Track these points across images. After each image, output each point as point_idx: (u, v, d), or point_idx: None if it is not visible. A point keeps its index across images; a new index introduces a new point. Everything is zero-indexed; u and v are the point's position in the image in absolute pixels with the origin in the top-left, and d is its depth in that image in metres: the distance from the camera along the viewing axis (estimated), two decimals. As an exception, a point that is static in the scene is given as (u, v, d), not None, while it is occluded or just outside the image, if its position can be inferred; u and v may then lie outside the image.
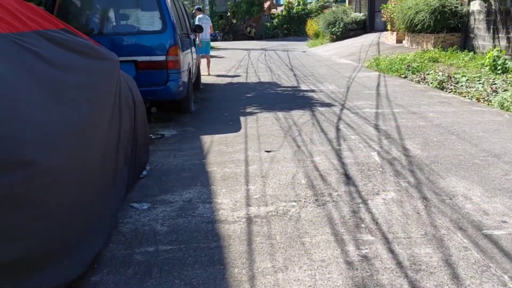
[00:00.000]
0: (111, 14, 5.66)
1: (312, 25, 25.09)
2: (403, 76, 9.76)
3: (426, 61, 10.70)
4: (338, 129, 5.16)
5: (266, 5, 34.98)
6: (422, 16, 12.31)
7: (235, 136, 4.97)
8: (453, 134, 4.84)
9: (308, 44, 23.50)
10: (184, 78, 5.93)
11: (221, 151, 4.41)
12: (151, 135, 5.03)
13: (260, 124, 5.56)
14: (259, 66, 13.17)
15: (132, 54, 5.45)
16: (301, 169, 3.79)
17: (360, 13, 22.53)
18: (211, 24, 12.48)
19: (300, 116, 5.95)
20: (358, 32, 21.61)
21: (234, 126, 5.48)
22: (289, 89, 8.50)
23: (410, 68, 10.11)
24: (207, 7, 23.10)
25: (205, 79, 10.42)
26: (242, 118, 5.92)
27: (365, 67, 11.77)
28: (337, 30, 21.27)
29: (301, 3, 34.42)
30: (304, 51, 19.34)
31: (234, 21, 34.69)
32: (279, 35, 33.83)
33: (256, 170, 3.77)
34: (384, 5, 16.32)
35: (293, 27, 34.45)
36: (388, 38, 16.45)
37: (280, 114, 6.09)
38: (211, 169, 3.83)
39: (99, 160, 2.50)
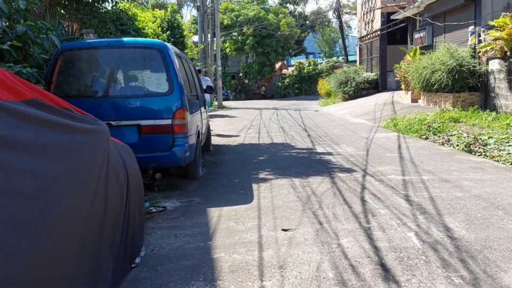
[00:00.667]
0: (115, 75, 5.32)
1: (323, 85, 25.16)
2: (424, 137, 9.23)
3: (446, 121, 10.20)
4: (363, 201, 4.53)
5: (278, 65, 35.67)
6: (439, 76, 11.99)
7: (246, 209, 4.37)
8: (498, 208, 4.18)
9: (320, 103, 23.41)
10: (192, 142, 5.46)
11: (230, 229, 3.79)
12: (152, 208, 4.46)
13: (275, 193, 4.97)
14: (271, 126, 12.80)
15: (135, 118, 5.04)
16: (326, 255, 3.14)
17: (371, 72, 22.57)
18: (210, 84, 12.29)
19: (318, 183, 5.35)
20: (370, 91, 21.49)
21: (245, 196, 4.90)
22: (304, 151, 7.98)
23: (431, 128, 9.60)
24: (219, 68, 23.43)
25: (215, 140, 9.99)
26: (254, 186, 5.35)
27: (382, 127, 11.30)
28: (349, 89, 21.19)
29: (312, 63, 35.00)
30: (316, 110, 19.11)
31: (246, 81, 35.25)
32: (291, 94, 34.11)
33: (272, 258, 3.13)
34: (397, 65, 16.20)
35: (304, 87, 34.78)
36: (403, 97, 16.16)
37: (297, 181, 5.51)
38: (218, 256, 3.20)
39: (69, 260, 1.92)
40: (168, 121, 5.07)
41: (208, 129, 8.58)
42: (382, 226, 3.74)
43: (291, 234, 3.59)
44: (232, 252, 3.25)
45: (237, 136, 10.83)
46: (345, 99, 21.54)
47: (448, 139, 8.44)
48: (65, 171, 1.90)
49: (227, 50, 34.21)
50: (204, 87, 8.84)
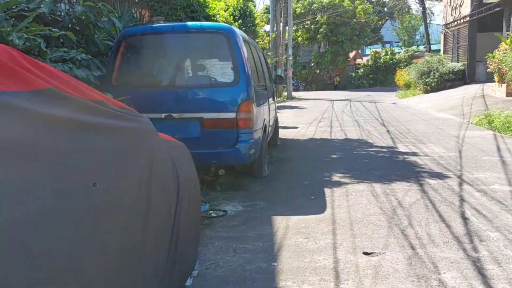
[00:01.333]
0: (179, 63, 4.88)
1: (402, 75, 23.42)
2: (528, 137, 7.87)
3: (555, 119, 8.66)
4: (465, 219, 3.67)
5: (352, 55, 34.08)
6: (546, 66, 10.30)
7: (318, 221, 3.71)
8: None
9: (398, 95, 21.79)
10: (258, 138, 4.89)
11: (299, 246, 3.17)
12: (211, 211, 3.97)
13: (352, 201, 4.25)
14: (344, 119, 11.91)
15: (198, 110, 4.57)
16: (424, 297, 2.41)
17: (458, 63, 20.50)
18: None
19: (405, 191, 4.53)
20: (455, 83, 19.53)
21: (316, 203, 4.24)
22: (384, 150, 7.09)
23: (537, 127, 8.18)
24: (290, 58, 22.70)
25: (283, 133, 9.39)
26: (327, 191, 4.67)
27: (473, 124, 9.94)
28: (431, 80, 19.41)
29: (389, 52, 32.96)
30: (394, 103, 17.72)
31: (318, 71, 34.15)
32: (365, 85, 32.45)
33: (353, 294, 2.46)
34: (491, 54, 14.36)
35: (379, 77, 32.92)
36: (496, 90, 14.32)
37: (378, 187, 4.73)
38: (283, 284, 2.60)
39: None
40: (233, 115, 4.54)
41: (276, 122, 7.98)
42: (495, 257, 2.90)
43: (375, 261, 2.89)
44: (302, 281, 2.62)
45: (307, 129, 10.13)
46: (427, 91, 19.79)
47: (562, 141, 7.07)
48: (70, 184, 1.40)
49: (299, 39, 33.30)
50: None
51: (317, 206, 4.14)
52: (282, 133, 9.39)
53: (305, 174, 5.51)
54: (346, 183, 4.96)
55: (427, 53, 24.40)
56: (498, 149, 6.83)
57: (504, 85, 13.47)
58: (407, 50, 34.24)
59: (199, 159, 4.59)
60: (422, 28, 36.40)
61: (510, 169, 5.46)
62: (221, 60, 4.78)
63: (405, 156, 6.44)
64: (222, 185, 4.99)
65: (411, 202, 4.18)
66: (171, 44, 4.88)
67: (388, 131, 9.34)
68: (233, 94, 4.57)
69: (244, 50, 4.76)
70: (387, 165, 5.87)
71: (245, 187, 4.94)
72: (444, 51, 22.97)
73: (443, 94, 17.86)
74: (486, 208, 3.93)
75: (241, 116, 4.55)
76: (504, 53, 13.51)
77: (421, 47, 35.41)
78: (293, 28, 33.64)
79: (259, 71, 5.86)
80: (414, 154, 6.60)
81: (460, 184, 4.79)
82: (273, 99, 7.27)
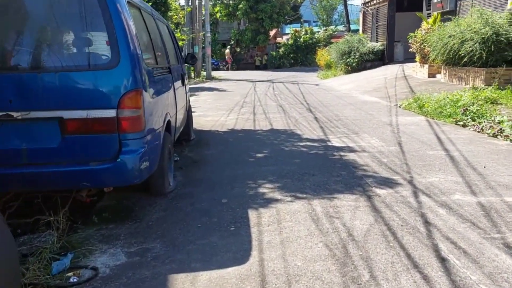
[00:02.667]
0: (25, 35, 3.21)
1: (323, 55, 22.95)
2: (461, 123, 7.32)
3: (482, 102, 8.27)
4: (443, 260, 2.63)
5: (272, 33, 33.13)
6: (470, 47, 9.97)
7: (240, 280, 2.44)
8: None
9: (320, 75, 21.26)
10: (155, 143, 3.46)
11: None
12: (71, 274, 2.50)
13: (287, 234, 3.03)
14: (268, 104, 10.76)
15: (56, 107, 3.00)
16: None
17: (377, 42, 20.39)
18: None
19: (352, 211, 3.43)
20: (375, 64, 19.41)
21: (238, 241, 2.95)
22: (316, 144, 6.01)
23: (469, 112, 7.68)
24: (208, 35, 21.05)
25: (199, 123, 7.98)
26: (252, 215, 3.41)
27: (402, 109, 9.35)
28: (352, 61, 19.05)
29: (309, 32, 32.55)
30: (316, 84, 17.02)
31: (238, 49, 32.77)
32: (286, 65, 31.79)
33: None
34: (412, 34, 14.08)
35: (300, 57, 32.45)
36: (417, 71, 14.14)
37: (317, 204, 3.58)
38: None
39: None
40: (111, 112, 3.04)
41: (189, 111, 6.55)
42: None
43: None
44: None
45: (228, 117, 8.81)
46: (348, 72, 19.44)
47: (501, 129, 6.53)
48: None
49: (218, 15, 31.52)
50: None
51: (239, 247, 2.85)
52: (199, 123, 7.97)
53: (223, 186, 4.20)
54: (277, 200, 3.74)
55: (347, 33, 24.19)
56: (439, 140, 6.09)
57: (426, 66, 13.26)
58: (326, 29, 34.13)
59: (59, 181, 3.07)
60: (340, 7, 36.55)
61: (462, 168, 4.64)
62: (94, 30, 3.23)
63: (342, 153, 5.40)
64: (103, 212, 3.49)
65: (364, 229, 3.07)
66: (13, 5, 3.19)
67: (316, 118, 8.34)
68: (111, 81, 3.07)
69: (130, 18, 3.24)
70: (323, 167, 4.77)
71: (136, 214, 3.50)
72: (363, 30, 22.84)
73: (364, 74, 17.54)
74: (462, 236, 2.94)
75: (124, 114, 3.07)
76: (426, 33, 13.26)
77: (340, 27, 35.59)
78: (211, 3, 31.77)
79: (158, 48, 4.36)
80: (351, 149, 5.59)
81: (415, 195, 3.81)
82: (183, 83, 5.81)
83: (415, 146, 5.70)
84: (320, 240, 2.92)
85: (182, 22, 21.27)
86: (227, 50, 32.00)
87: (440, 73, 12.68)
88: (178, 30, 20.32)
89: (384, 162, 4.95)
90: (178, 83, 5.22)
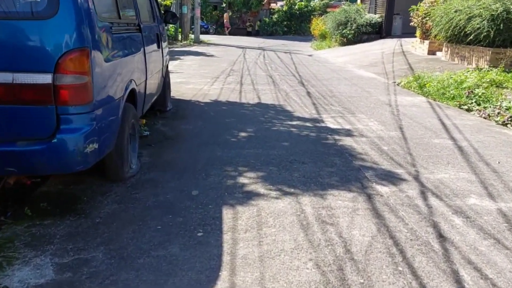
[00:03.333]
0: None
1: (318, 25, 21.93)
2: (465, 107, 6.71)
3: (487, 85, 7.64)
4: (467, 296, 2.03)
5: (266, -2, 31.72)
6: (477, 24, 9.25)
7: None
8: None
9: (314, 46, 20.33)
10: (108, 119, 2.74)
11: None
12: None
13: (268, 247, 2.39)
14: (257, 74, 9.97)
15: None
16: None
17: (375, 14, 19.44)
18: None
19: (350, 215, 2.80)
20: (372, 37, 18.54)
21: (204, 253, 2.30)
22: (308, 124, 5.33)
23: (473, 96, 7.06)
24: (199, -5, 19.77)
25: (179, 91, 7.20)
26: (226, 214, 2.76)
27: (401, 87, 8.68)
28: (348, 32, 18.14)
29: (305, -1, 31.23)
30: (310, 55, 16.17)
31: (230, 13, 31.35)
32: (279, 32, 30.60)
33: None
34: (414, 6, 13.24)
35: (294, 25, 31.27)
36: (416, 47, 13.39)
37: (307, 204, 2.95)
38: None
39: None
40: (46, 78, 2.30)
41: (166, 77, 5.77)
42: None
43: None
44: None
45: (212, 86, 8.03)
46: (343, 44, 18.57)
47: (511, 117, 5.93)
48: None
49: (210, -25, 29.93)
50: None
51: (205, 264, 2.20)
52: (179, 91, 7.20)
53: (196, 172, 3.52)
54: (259, 195, 3.09)
55: (344, 2, 23.10)
56: (444, 126, 5.47)
57: (427, 42, 12.51)
58: (323, -2, 32.77)
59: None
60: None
61: (474, 162, 4.04)
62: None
63: (336, 137, 4.74)
64: (42, 201, 2.80)
65: (365, 244, 2.45)
66: None
67: (308, 93, 7.63)
68: (47, 36, 2.32)
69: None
70: (315, 154, 4.11)
71: (82, 206, 2.80)
72: (361, 0, 21.77)
73: (360, 48, 16.72)
74: (487, 260, 2.35)
75: (64, 81, 2.34)
76: (430, 6, 12.44)
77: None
78: (204, -38, 30.06)
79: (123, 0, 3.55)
80: (347, 133, 4.93)
81: (424, 196, 3.20)
82: (159, 46, 5.01)
83: (418, 132, 5.07)
84: (309, 257, 2.28)
85: (171, -21, 19.93)
86: (226, 14, 30.59)
87: (441, 50, 11.96)
88: (166, -12, 19.05)
89: (385, 150, 4.31)
90: (151, 45, 4.43)
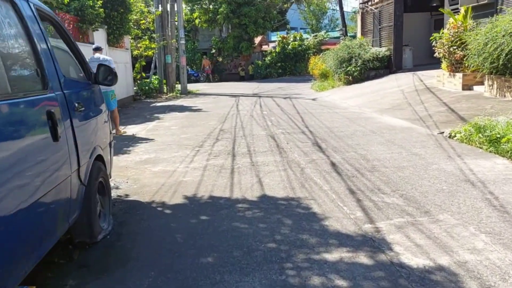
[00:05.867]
0: None
1: (317, 64, 19.86)
2: None
3: None
4: None
5: (257, 40, 30.03)
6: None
7: None
8: None
9: (315, 87, 18.10)
10: None
11: None
12: None
13: None
14: (255, 134, 7.51)
15: None
16: None
17: (381, 47, 17.37)
18: (112, 66, 7.17)
19: None
20: (380, 72, 16.38)
21: None
22: (364, 262, 2.74)
23: None
24: (182, 42, 17.80)
25: (140, 179, 4.67)
26: None
27: (457, 141, 6.20)
28: (354, 69, 15.96)
29: (298, 38, 29.52)
30: (314, 99, 13.84)
31: (220, 59, 29.58)
32: (273, 75, 28.65)
33: None
34: (437, 34, 11.02)
35: (288, 66, 29.38)
36: (444, 81, 11.03)
37: None
38: None
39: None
40: None
41: (90, 184, 3.23)
42: None
43: None
44: None
45: (191, 164, 5.52)
46: (348, 83, 16.35)
47: None
48: None
49: (197, 21, 28.34)
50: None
51: None
52: (139, 180, 4.69)
53: None
54: None
55: (343, 38, 21.20)
56: None
57: (459, 75, 10.17)
58: (316, 35, 31.14)
59: None
60: (330, 12, 33.70)
61: None
62: None
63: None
64: None
65: None
66: None
67: (333, 165, 5.11)
68: None
69: None
70: None
71: None
72: (362, 33, 19.82)
73: (371, 86, 14.47)
74: None
75: None
76: (456, 32, 10.22)
77: (331, 33, 32.71)
78: (188, 9, 28.64)
79: None
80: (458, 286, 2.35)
81: None
82: (57, 137, 2.49)
83: None
84: None
85: (152, 28, 18.01)
86: (205, 60, 28.84)
87: (480, 84, 9.62)
88: (146, 37, 17.06)
89: None
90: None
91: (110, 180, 3.81)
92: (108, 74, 3.56)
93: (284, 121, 8.96)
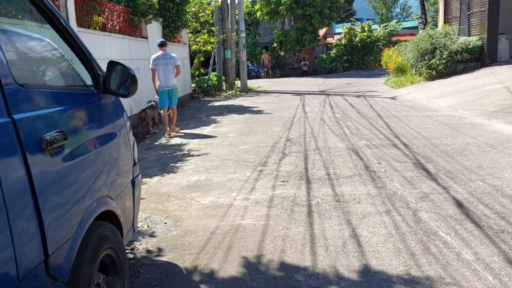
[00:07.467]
0: None
1: (391, 56, 17.71)
2: None
3: None
4: None
5: (321, 32, 28.08)
6: None
7: None
8: None
9: (390, 82, 15.98)
10: None
11: None
12: None
13: None
14: (331, 147, 5.96)
15: None
16: None
17: (470, 36, 14.91)
18: (177, 63, 6.04)
19: None
20: (470, 66, 14.00)
21: None
22: None
23: None
24: (243, 35, 16.49)
25: (182, 218, 3.33)
26: None
27: None
28: (438, 62, 13.74)
29: (367, 29, 27.19)
30: (393, 98, 11.89)
31: (282, 53, 28.05)
32: (339, 69, 26.63)
33: None
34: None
35: (355, 59, 27.19)
36: None
37: None
38: None
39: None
40: None
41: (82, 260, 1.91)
42: None
43: None
44: None
45: (250, 194, 4.12)
46: (431, 78, 14.14)
47: None
48: None
49: (258, 14, 26.98)
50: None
51: None
52: (181, 218, 3.36)
53: None
54: None
55: (421, 27, 18.83)
56: None
57: None
58: (386, 26, 28.57)
59: None
60: (402, 0, 30.82)
61: None
62: None
63: None
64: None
65: None
66: None
67: (459, 205, 3.45)
68: None
69: None
70: None
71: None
72: (445, 21, 17.32)
73: (461, 82, 12.25)
74: None
75: None
76: None
77: (404, 23, 29.96)
78: (250, 1, 27.40)
79: None
80: None
81: None
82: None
83: None
84: None
85: (211, 21, 16.93)
86: (264, 54, 27.46)
87: None
88: (205, 31, 15.96)
89: None
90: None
91: (143, 219, 2.49)
92: (125, 79, 2.23)
93: (364, 128, 7.30)
